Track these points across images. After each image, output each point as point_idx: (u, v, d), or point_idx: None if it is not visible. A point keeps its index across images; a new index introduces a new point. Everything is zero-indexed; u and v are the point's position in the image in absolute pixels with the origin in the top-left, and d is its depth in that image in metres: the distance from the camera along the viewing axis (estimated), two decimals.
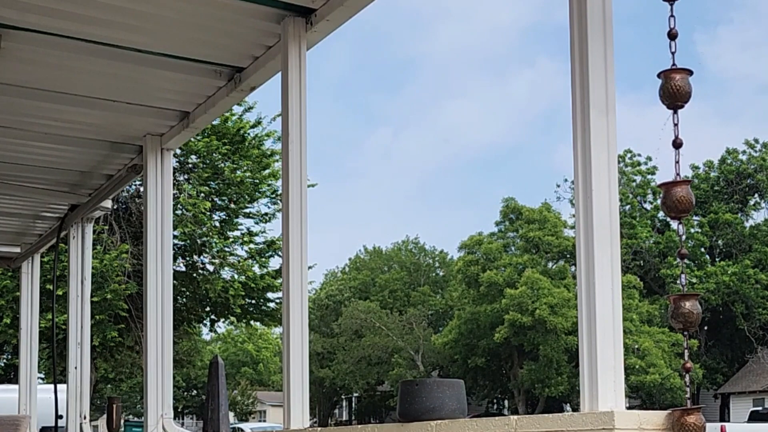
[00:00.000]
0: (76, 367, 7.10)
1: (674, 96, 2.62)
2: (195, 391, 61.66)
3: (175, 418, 5.86)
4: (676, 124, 2.64)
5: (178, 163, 22.42)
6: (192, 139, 22.70)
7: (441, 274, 63.02)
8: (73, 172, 6.80)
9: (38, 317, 8.57)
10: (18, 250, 8.73)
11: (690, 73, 2.63)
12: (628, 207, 49.77)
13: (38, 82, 5.31)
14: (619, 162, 44.24)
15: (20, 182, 7.05)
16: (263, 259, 24.10)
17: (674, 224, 2.63)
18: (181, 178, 22.61)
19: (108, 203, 7.03)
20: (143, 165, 5.92)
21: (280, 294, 23.59)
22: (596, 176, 2.67)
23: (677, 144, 2.64)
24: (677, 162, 2.59)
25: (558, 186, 51.33)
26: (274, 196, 23.98)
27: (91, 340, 7.92)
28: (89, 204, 7.09)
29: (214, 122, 22.46)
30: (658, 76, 2.66)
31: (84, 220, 7.28)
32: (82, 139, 6.18)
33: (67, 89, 5.43)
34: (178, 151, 20.78)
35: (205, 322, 24.95)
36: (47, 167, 6.74)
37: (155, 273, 5.84)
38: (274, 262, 24.14)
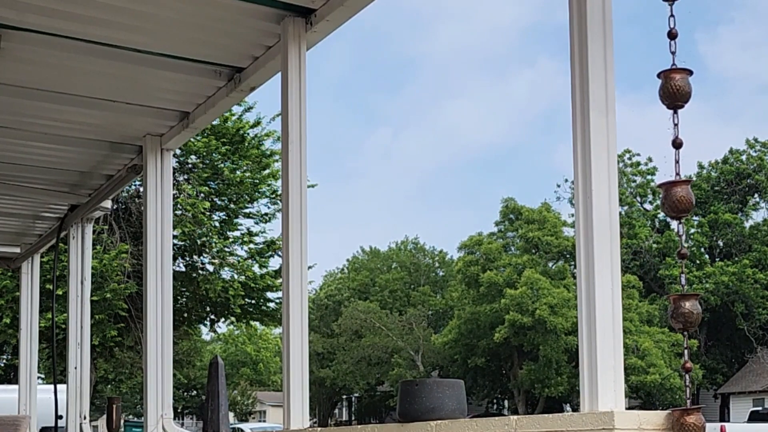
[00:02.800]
0: (75, 367, 7.09)
1: (674, 96, 2.62)
2: (195, 392, 61.59)
3: (174, 419, 5.85)
4: (675, 124, 2.64)
5: (177, 163, 22.40)
6: (191, 139, 22.70)
7: (441, 274, 62.96)
8: (72, 172, 6.79)
9: (38, 317, 8.57)
10: (18, 250, 8.73)
11: (690, 73, 2.63)
12: (627, 207, 49.77)
13: (38, 82, 5.30)
14: (618, 162, 44.76)
15: (20, 182, 7.04)
16: (263, 259, 24.08)
17: (674, 224, 2.63)
18: (181, 179, 22.58)
19: (108, 203, 7.02)
20: (143, 165, 5.92)
21: (280, 294, 23.60)
22: (596, 176, 2.66)
23: (677, 144, 2.63)
24: (677, 162, 2.59)
25: (558, 186, 51.34)
26: (273, 196, 23.96)
27: (91, 340, 7.91)
28: (89, 204, 7.08)
29: (213, 122, 22.50)
30: (658, 76, 2.66)
31: (84, 220, 7.28)
32: (82, 140, 6.17)
33: (67, 89, 5.42)
34: (178, 152, 20.76)
35: (205, 322, 24.93)
36: (47, 167, 6.73)
37: (155, 273, 5.83)
38: (274, 262, 24.14)
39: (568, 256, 47.26)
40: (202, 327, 26.37)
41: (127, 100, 5.54)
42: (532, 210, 46.73)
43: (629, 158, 49.71)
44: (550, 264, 46.52)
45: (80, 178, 6.90)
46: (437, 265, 64.67)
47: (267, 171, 23.79)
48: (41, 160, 6.60)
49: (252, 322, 25.60)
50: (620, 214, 48.90)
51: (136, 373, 27.37)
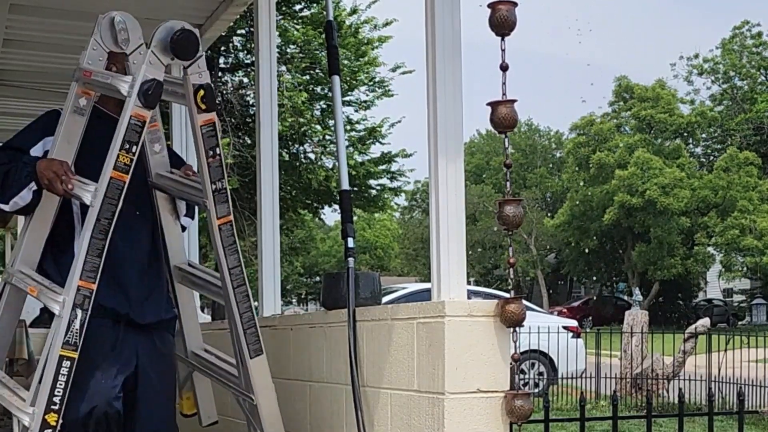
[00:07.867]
0: None
1: None
2: (317, 277, 63.12)
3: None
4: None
5: (278, 54, 22.80)
6: (290, 30, 23.26)
7: (559, 155, 61.93)
8: None
9: None
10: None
11: None
12: (748, 80, 47.14)
13: None
14: (737, 34, 40.99)
15: None
16: (364, 147, 24.47)
17: None
18: (282, 68, 22.98)
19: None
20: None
21: (380, 181, 24.27)
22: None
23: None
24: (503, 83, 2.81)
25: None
26: (372, 83, 24.18)
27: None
28: None
29: (310, 12, 22.99)
30: None
31: None
32: None
33: None
34: (279, 41, 21.07)
35: (309, 210, 25.63)
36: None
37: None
38: (375, 149, 24.49)
39: (684, 134, 45.84)
40: (310, 215, 27.12)
41: None
42: (646, 88, 45.09)
43: (748, 29, 46.51)
44: (667, 143, 45.06)
45: None
46: (554, 146, 63.84)
47: (364, 59, 23.93)
48: None
49: (355, 209, 26.23)
50: (741, 87, 46.56)
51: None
